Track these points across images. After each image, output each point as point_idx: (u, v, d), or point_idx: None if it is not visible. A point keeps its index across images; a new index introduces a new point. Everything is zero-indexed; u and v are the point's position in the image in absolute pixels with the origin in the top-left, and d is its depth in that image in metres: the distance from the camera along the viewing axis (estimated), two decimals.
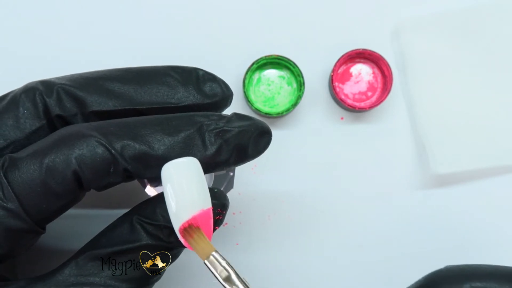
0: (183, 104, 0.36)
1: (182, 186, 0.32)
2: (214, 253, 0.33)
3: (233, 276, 0.33)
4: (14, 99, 0.36)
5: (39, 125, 0.35)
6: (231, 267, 0.33)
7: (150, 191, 0.39)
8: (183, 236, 0.33)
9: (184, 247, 0.34)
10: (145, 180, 0.38)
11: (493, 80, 0.49)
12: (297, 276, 0.49)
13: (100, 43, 0.49)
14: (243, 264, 0.48)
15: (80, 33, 0.50)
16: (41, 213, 0.33)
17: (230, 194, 0.40)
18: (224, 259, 0.33)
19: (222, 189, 0.40)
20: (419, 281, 0.40)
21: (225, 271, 0.33)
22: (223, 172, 0.40)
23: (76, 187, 0.33)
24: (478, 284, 0.37)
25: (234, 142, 0.34)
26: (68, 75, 0.37)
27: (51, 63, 0.49)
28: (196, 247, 0.33)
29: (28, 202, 0.32)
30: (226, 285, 0.33)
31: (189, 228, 0.33)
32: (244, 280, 0.33)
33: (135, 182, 0.41)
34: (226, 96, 0.37)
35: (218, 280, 0.33)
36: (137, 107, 0.36)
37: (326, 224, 0.49)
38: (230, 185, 0.41)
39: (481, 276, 0.38)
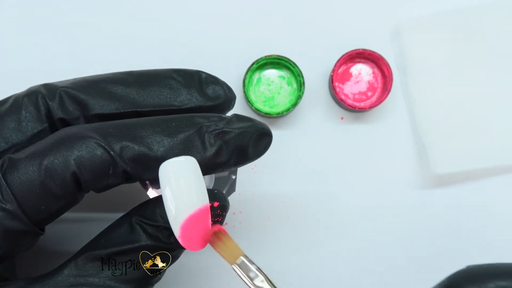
0: (185, 106, 0.36)
1: (180, 184, 0.32)
2: (242, 257, 0.34)
3: (264, 280, 0.33)
4: (17, 102, 0.36)
5: (41, 128, 0.35)
6: (261, 271, 0.34)
7: (152, 193, 0.39)
8: (212, 242, 0.34)
9: (184, 248, 0.34)
10: (147, 183, 0.38)
11: (493, 80, 0.49)
12: (297, 276, 0.49)
13: (102, 46, 0.49)
14: None
15: (83, 36, 0.50)
16: (40, 215, 0.33)
17: (230, 195, 0.40)
18: (253, 263, 0.33)
19: (224, 191, 0.40)
20: (442, 282, 0.40)
21: (255, 274, 0.33)
22: (225, 174, 0.40)
23: (75, 189, 0.33)
24: (503, 284, 0.37)
25: (234, 143, 0.34)
26: (71, 79, 0.37)
27: (54, 67, 0.49)
28: (224, 250, 0.34)
29: (26, 203, 0.32)
30: None
31: (218, 232, 0.34)
32: (274, 284, 0.33)
33: (136, 185, 0.41)
34: (229, 98, 0.37)
35: (248, 284, 0.33)
36: (139, 110, 0.36)
37: (326, 224, 0.49)
38: (232, 188, 0.40)
39: (505, 275, 0.37)
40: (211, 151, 0.34)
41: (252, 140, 0.35)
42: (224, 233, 0.34)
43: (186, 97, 0.36)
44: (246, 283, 0.33)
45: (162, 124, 0.34)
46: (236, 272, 0.34)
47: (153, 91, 0.36)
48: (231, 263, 0.34)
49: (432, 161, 0.48)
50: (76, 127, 0.34)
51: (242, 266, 0.34)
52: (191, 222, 0.33)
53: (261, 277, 0.33)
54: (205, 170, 0.34)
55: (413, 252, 0.49)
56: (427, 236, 0.49)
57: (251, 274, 0.33)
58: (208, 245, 0.35)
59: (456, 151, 0.49)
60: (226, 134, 0.34)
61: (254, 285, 0.33)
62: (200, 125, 0.34)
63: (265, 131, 0.35)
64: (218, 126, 0.34)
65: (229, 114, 0.37)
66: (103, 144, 0.32)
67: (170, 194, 0.32)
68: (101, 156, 0.32)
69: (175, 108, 0.36)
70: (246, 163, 0.35)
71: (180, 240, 0.33)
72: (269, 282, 0.33)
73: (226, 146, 0.34)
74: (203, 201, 0.33)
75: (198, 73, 0.37)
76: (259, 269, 0.34)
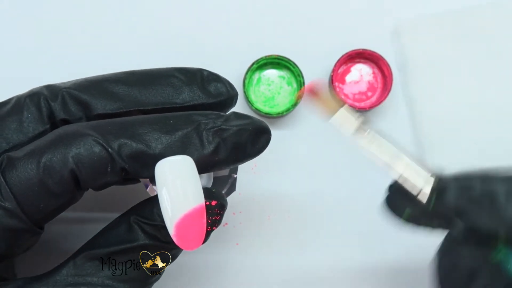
0: (188, 104, 0.36)
1: (176, 184, 0.32)
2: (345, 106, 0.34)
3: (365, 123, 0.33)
4: (19, 103, 0.36)
5: (42, 129, 0.35)
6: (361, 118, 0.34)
7: (152, 191, 0.39)
8: (309, 98, 0.35)
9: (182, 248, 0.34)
10: (148, 180, 0.38)
11: (493, 80, 0.49)
12: (297, 276, 0.49)
13: (103, 46, 0.49)
14: (243, 264, 0.48)
15: (84, 37, 0.50)
16: (39, 213, 0.33)
17: (230, 195, 0.40)
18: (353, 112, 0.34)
19: (224, 191, 0.40)
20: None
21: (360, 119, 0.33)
22: (226, 174, 0.40)
23: (74, 187, 0.33)
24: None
25: (232, 140, 0.34)
26: (73, 80, 0.37)
27: (56, 68, 0.49)
28: (324, 105, 0.35)
29: (25, 202, 0.32)
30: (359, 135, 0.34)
31: (313, 90, 0.34)
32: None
33: (134, 185, 0.41)
34: (231, 95, 0.37)
35: (351, 132, 0.34)
36: (142, 108, 0.36)
37: (326, 224, 0.49)
38: (233, 188, 0.40)
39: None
40: (209, 148, 0.34)
41: (250, 138, 0.35)
42: (318, 89, 0.34)
43: (188, 95, 0.36)
44: (345, 133, 0.34)
45: (160, 121, 0.34)
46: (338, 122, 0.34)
47: (155, 89, 0.36)
48: (331, 117, 0.34)
49: (431, 161, 0.48)
50: (75, 125, 0.34)
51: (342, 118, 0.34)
52: (186, 221, 0.33)
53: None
54: (204, 168, 0.34)
55: (413, 252, 0.49)
56: (426, 236, 0.49)
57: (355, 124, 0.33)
58: (205, 244, 0.35)
59: (455, 152, 0.49)
60: (224, 131, 0.34)
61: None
62: (198, 123, 0.34)
63: (264, 129, 0.35)
64: (216, 124, 0.34)
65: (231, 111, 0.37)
66: (101, 142, 0.32)
67: (166, 193, 0.32)
68: (99, 153, 0.32)
69: (177, 106, 0.36)
70: (245, 161, 0.35)
71: (175, 239, 0.33)
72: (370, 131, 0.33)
73: (224, 144, 0.34)
74: (199, 200, 0.33)
75: (200, 71, 0.37)
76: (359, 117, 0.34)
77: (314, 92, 0.34)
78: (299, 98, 0.34)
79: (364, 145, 0.33)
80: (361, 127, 0.33)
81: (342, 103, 0.33)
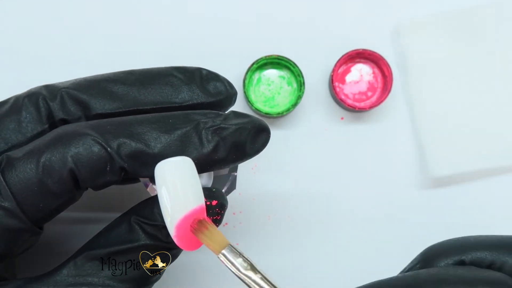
0: (187, 103, 0.36)
1: (176, 185, 0.32)
2: (229, 245, 0.33)
3: (252, 267, 0.33)
4: (17, 103, 0.36)
5: (41, 129, 0.35)
6: (248, 259, 0.33)
7: (152, 190, 0.39)
8: (194, 233, 0.33)
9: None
10: (148, 180, 0.38)
11: (493, 80, 0.49)
12: (297, 276, 0.48)
13: (102, 46, 0.49)
14: None
15: (83, 36, 0.50)
16: (38, 212, 0.33)
17: (230, 194, 0.40)
18: (239, 252, 0.33)
19: (225, 189, 0.40)
20: (415, 258, 0.39)
21: (243, 263, 0.33)
22: (225, 172, 0.40)
23: (73, 186, 0.33)
24: (479, 255, 0.36)
25: (231, 139, 0.34)
26: (71, 79, 0.37)
27: (55, 68, 0.49)
28: (210, 239, 0.33)
29: (25, 201, 0.32)
30: (245, 277, 0.32)
31: (203, 221, 0.33)
32: (261, 272, 0.33)
33: (135, 185, 0.41)
34: (230, 94, 0.37)
35: (236, 273, 0.33)
36: (141, 108, 0.36)
37: (326, 224, 0.49)
38: (233, 186, 0.40)
39: (480, 247, 0.36)
40: (208, 147, 0.34)
41: (249, 136, 0.35)
42: (209, 222, 0.33)
43: (187, 94, 0.36)
44: (232, 272, 0.33)
45: (159, 121, 0.34)
46: (222, 261, 0.33)
47: (154, 89, 0.36)
48: (217, 253, 0.33)
49: (431, 164, 0.48)
50: (74, 124, 0.34)
51: (228, 256, 0.33)
52: (186, 222, 0.33)
53: (247, 265, 0.33)
54: (203, 167, 0.34)
55: (413, 253, 0.49)
56: (426, 236, 0.49)
57: (238, 263, 0.33)
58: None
59: (455, 152, 0.49)
60: (223, 130, 0.34)
61: (242, 273, 0.32)
62: (197, 122, 0.34)
63: (263, 127, 0.35)
64: (215, 123, 0.34)
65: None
66: (100, 141, 0.32)
67: (166, 194, 0.32)
68: (98, 152, 0.32)
69: (176, 105, 0.36)
70: (245, 160, 0.35)
71: (175, 240, 0.33)
72: (256, 270, 0.33)
73: (224, 142, 0.34)
74: (199, 201, 0.33)
75: (198, 70, 0.37)
76: (245, 258, 0.33)
77: (199, 229, 0.33)
78: (192, 230, 0.33)
79: (255, 281, 0.32)
80: (251, 264, 0.33)
81: (226, 241, 0.33)
